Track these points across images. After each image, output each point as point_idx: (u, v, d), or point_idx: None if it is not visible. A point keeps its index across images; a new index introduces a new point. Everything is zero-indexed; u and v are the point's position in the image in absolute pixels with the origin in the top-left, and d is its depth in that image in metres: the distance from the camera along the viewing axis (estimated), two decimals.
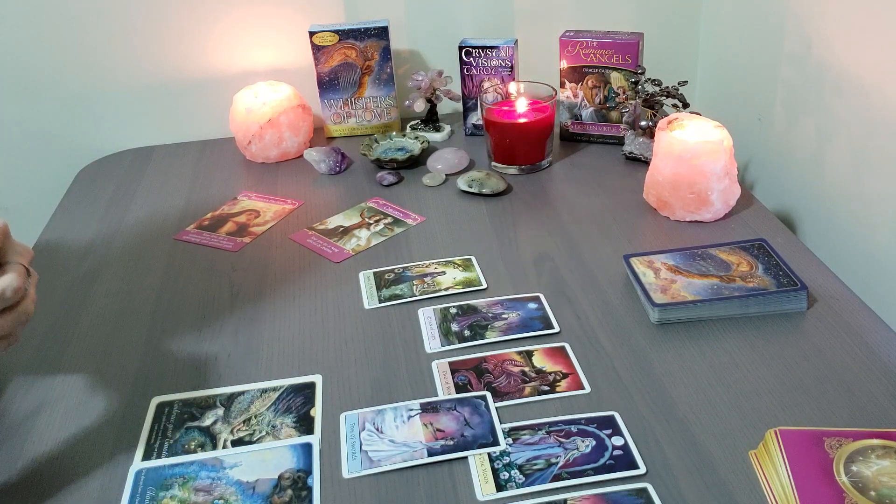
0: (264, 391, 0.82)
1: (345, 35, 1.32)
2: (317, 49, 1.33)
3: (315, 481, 0.71)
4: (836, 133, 1.07)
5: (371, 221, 1.13)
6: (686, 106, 1.19)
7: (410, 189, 1.21)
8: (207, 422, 0.78)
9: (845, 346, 0.83)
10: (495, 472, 0.70)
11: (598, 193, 1.17)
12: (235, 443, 0.76)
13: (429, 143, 1.30)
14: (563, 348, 0.85)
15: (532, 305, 0.92)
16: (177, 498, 0.70)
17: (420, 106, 1.34)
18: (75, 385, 0.85)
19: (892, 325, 0.86)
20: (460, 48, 1.31)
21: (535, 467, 0.70)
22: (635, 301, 0.92)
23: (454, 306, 0.93)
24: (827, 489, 0.65)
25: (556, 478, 0.69)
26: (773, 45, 1.21)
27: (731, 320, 0.87)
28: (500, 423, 0.76)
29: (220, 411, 0.79)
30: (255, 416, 0.78)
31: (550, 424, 0.75)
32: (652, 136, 1.22)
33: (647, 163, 1.18)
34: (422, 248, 1.06)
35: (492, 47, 1.30)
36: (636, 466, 0.70)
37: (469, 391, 0.80)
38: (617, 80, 1.26)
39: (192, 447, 0.75)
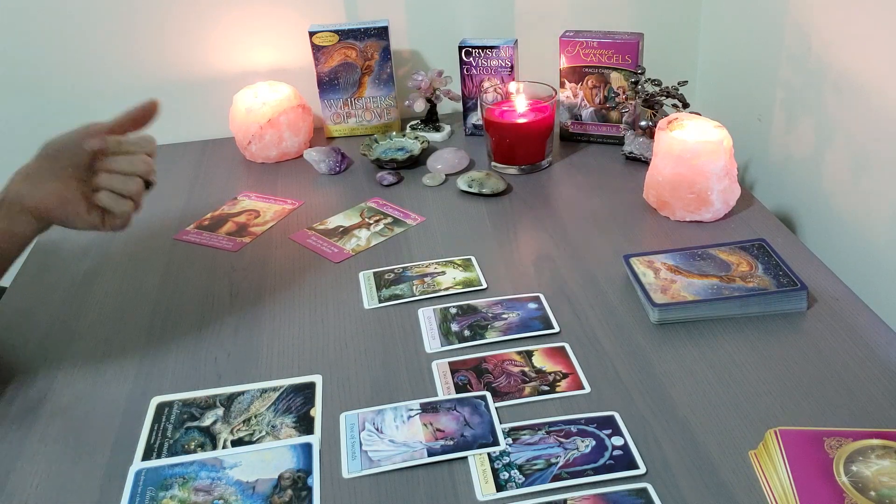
0: (264, 391, 0.82)
1: (345, 35, 1.32)
2: (317, 49, 1.33)
3: (315, 481, 0.71)
4: (836, 133, 1.07)
5: (371, 221, 1.13)
6: (686, 106, 1.19)
7: (410, 189, 1.21)
8: (207, 422, 0.78)
9: (845, 346, 0.83)
10: (495, 472, 0.70)
11: (598, 193, 1.16)
12: (235, 443, 0.76)
13: (429, 143, 1.30)
14: (562, 348, 0.85)
15: (532, 305, 0.92)
16: (177, 498, 0.70)
17: (420, 106, 1.35)
18: (75, 384, 0.85)
19: (892, 325, 0.86)
20: (460, 48, 1.31)
21: (535, 467, 0.70)
22: (635, 301, 0.92)
23: (454, 306, 0.93)
24: (827, 489, 0.65)
25: (556, 478, 0.69)
26: (772, 45, 1.21)
27: (731, 320, 0.87)
28: (500, 423, 0.76)
29: (220, 411, 0.79)
30: (255, 416, 0.78)
31: (550, 424, 0.75)
32: (652, 136, 1.22)
33: (647, 163, 1.18)
34: (422, 248, 1.06)
35: (492, 47, 1.30)
36: (636, 466, 0.70)
37: (469, 391, 0.80)
38: (617, 80, 1.26)
39: (192, 447, 0.75)
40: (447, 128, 1.38)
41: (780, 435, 0.69)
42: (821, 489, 0.65)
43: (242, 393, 0.82)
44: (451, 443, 0.73)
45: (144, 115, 0.87)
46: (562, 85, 1.30)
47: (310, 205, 1.19)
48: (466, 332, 0.88)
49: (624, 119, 1.26)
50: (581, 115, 1.31)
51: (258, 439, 0.76)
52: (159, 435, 0.77)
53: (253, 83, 1.35)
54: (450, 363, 0.84)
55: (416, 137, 1.30)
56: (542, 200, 1.16)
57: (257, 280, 1.01)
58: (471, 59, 1.31)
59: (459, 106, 1.40)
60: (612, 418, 0.75)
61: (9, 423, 0.80)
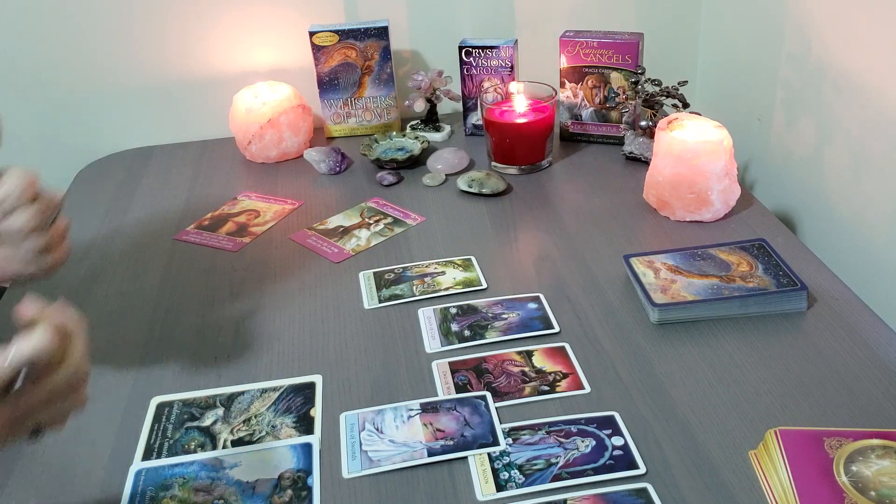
0: (264, 391, 0.82)
1: (345, 35, 1.32)
2: (317, 49, 1.33)
3: (315, 481, 0.71)
4: (836, 133, 1.07)
5: (371, 221, 1.13)
6: (686, 106, 1.19)
7: (410, 189, 1.21)
8: (207, 422, 0.78)
9: (845, 346, 0.83)
10: (495, 472, 0.70)
11: (598, 193, 1.16)
12: (235, 443, 0.76)
13: (429, 143, 1.30)
14: (563, 348, 0.85)
15: (532, 305, 0.92)
16: (177, 498, 0.70)
17: (420, 106, 1.34)
18: None
19: (892, 325, 0.86)
20: (460, 48, 1.31)
21: (535, 467, 0.70)
22: (635, 301, 0.92)
23: (454, 306, 0.93)
24: (827, 489, 0.65)
25: (556, 478, 0.69)
26: (772, 45, 1.21)
27: (731, 320, 0.87)
28: (500, 423, 0.76)
29: (220, 411, 0.79)
30: (255, 416, 0.78)
31: (550, 424, 0.75)
32: (652, 136, 1.22)
33: (647, 163, 1.18)
34: (422, 248, 1.06)
35: (492, 47, 1.30)
36: (636, 466, 0.70)
37: (469, 391, 0.80)
38: (617, 80, 1.26)
39: (192, 447, 0.75)
40: (447, 128, 1.38)
41: (780, 435, 0.69)
42: (821, 489, 0.65)
43: (242, 393, 0.82)
44: (451, 443, 0.73)
45: None
46: (562, 85, 1.30)
47: (310, 205, 1.19)
48: (466, 332, 0.88)
49: (624, 119, 1.26)
50: (581, 115, 1.31)
51: (258, 439, 0.76)
52: (159, 435, 0.77)
53: (253, 83, 1.35)
54: (450, 363, 0.84)
55: (416, 137, 1.30)
56: (542, 200, 1.16)
57: (257, 280, 1.01)
58: (471, 59, 1.31)
59: (459, 106, 1.40)
60: (612, 418, 0.75)
61: None
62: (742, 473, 0.69)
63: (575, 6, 1.42)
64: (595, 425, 0.75)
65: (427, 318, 0.91)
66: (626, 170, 1.23)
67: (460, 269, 1.00)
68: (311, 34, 1.32)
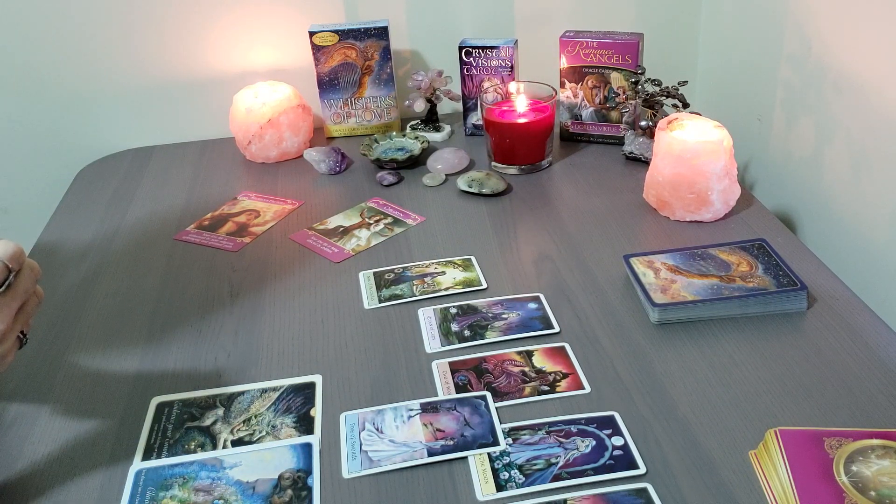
0: (264, 391, 0.82)
1: (345, 35, 1.32)
2: (317, 49, 1.33)
3: (315, 481, 0.71)
4: (836, 133, 1.07)
5: (371, 221, 1.13)
6: (686, 106, 1.19)
7: (410, 189, 1.21)
8: (207, 422, 0.78)
9: (845, 346, 0.83)
10: (495, 472, 0.70)
11: (598, 193, 1.17)
12: (235, 443, 0.76)
13: (429, 143, 1.30)
14: (563, 348, 0.85)
15: (532, 305, 0.92)
16: (177, 498, 0.70)
17: (420, 106, 1.34)
18: (75, 385, 0.85)
19: (892, 325, 0.86)
20: (460, 48, 1.31)
21: (535, 467, 0.70)
22: (635, 301, 0.92)
23: (454, 306, 0.93)
24: (827, 489, 0.65)
25: (556, 478, 0.69)
26: (772, 45, 1.21)
27: (731, 320, 0.87)
28: (500, 423, 0.76)
29: (220, 411, 0.79)
30: (255, 416, 0.78)
31: (550, 424, 0.75)
32: (652, 136, 1.22)
33: (647, 163, 1.18)
34: (422, 248, 1.06)
35: (492, 47, 1.30)
36: (636, 466, 0.70)
37: (469, 391, 0.80)
38: (617, 80, 1.26)
39: (192, 447, 0.75)
40: (447, 128, 1.38)
41: (780, 435, 0.69)
42: (821, 489, 0.65)
43: (242, 393, 0.82)
44: (451, 443, 0.73)
45: None
46: (562, 85, 1.30)
47: (310, 205, 1.19)
48: (466, 332, 0.88)
49: (624, 119, 1.26)
50: (581, 115, 1.31)
51: (258, 439, 0.76)
52: (159, 435, 0.77)
53: (253, 83, 1.35)
54: (450, 363, 0.84)
55: (416, 137, 1.30)
56: (542, 200, 1.16)
57: (257, 280, 1.01)
58: (471, 59, 1.31)
59: (459, 106, 1.40)
60: (612, 418, 0.75)
61: (9, 424, 0.80)
62: (742, 473, 0.69)
63: (575, 6, 1.42)
64: (595, 425, 0.75)
65: (427, 318, 0.91)
66: (626, 170, 1.23)
67: (460, 269, 1.00)
68: (311, 34, 1.32)
